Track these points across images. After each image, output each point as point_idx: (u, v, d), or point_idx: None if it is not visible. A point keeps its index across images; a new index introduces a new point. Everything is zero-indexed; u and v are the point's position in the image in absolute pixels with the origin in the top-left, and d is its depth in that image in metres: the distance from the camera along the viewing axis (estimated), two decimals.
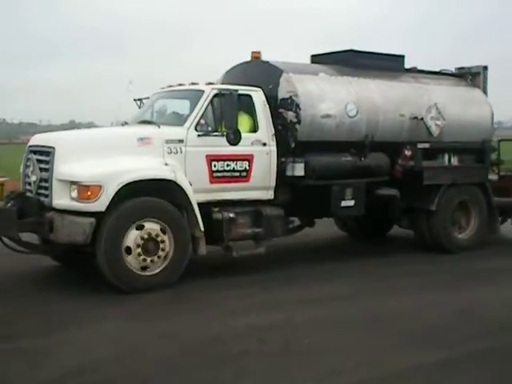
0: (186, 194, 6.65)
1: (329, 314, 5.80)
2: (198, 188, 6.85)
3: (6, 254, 6.84)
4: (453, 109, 8.86)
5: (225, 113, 6.90)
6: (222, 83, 8.23)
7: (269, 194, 7.48)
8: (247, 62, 8.16)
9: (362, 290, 6.66)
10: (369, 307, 6.03)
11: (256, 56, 8.10)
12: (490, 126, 9.35)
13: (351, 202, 7.92)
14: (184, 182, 6.66)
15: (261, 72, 7.94)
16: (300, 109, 7.44)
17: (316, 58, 9.06)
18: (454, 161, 8.88)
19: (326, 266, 7.70)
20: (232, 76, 8.29)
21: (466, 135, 9.00)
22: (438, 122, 8.66)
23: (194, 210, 6.70)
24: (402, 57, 9.13)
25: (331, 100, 7.70)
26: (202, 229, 6.77)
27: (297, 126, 7.48)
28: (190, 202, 6.68)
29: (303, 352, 4.88)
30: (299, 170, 7.47)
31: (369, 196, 8.12)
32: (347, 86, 7.98)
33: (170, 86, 8.00)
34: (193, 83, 7.68)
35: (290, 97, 7.52)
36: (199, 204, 6.88)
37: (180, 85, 7.90)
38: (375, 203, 8.31)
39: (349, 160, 7.83)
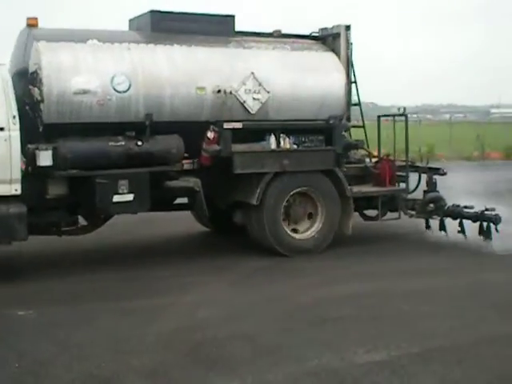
0: None
1: (419, 285, 6.58)
2: None
3: None
4: (283, 79, 7.71)
5: None
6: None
7: (12, 189, 6.56)
8: (24, 30, 7.36)
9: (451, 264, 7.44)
10: (458, 280, 6.77)
11: (31, 23, 7.26)
12: (342, 100, 8.12)
13: (129, 197, 6.95)
14: None
15: (25, 41, 7.11)
16: (43, 84, 6.56)
17: (131, 23, 8.17)
18: (285, 143, 7.78)
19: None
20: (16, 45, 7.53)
21: (304, 111, 7.83)
22: (258, 96, 7.53)
23: None
24: (232, 18, 8.04)
25: (91, 72, 6.74)
26: None
27: (41, 106, 6.57)
28: None
29: (397, 317, 5.61)
30: (45, 158, 6.55)
31: (159, 189, 7.20)
32: (122, 54, 6.98)
33: None
34: None
35: (36, 70, 6.65)
36: None
37: None
38: (171, 197, 7.39)
39: (120, 145, 6.85)
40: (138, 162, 6.96)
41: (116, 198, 6.91)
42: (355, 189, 8.37)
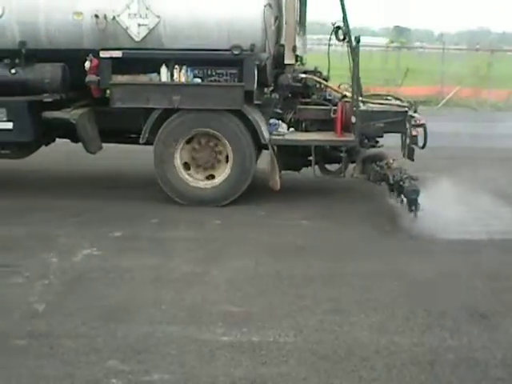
0: None
1: None
2: None
3: None
4: (177, 1, 7.12)
5: None
6: None
7: None
8: None
9: None
10: None
11: None
12: (258, 26, 7.04)
13: (8, 125, 7.34)
14: None
15: None
16: None
17: None
18: (180, 76, 7.14)
19: None
20: None
21: (209, 40, 7.07)
22: (144, 21, 7.05)
23: None
24: None
25: None
26: None
27: None
28: None
29: None
30: None
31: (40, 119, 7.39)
32: None
33: None
34: None
35: None
36: None
37: None
38: (56, 128, 7.51)
39: None
40: (15, 91, 7.28)
41: None
42: (290, 136, 7.47)
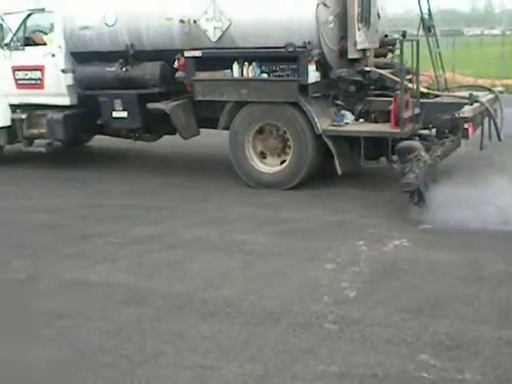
0: None
1: None
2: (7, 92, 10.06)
3: None
4: (243, 5, 8.03)
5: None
6: None
7: (65, 100, 9.66)
8: None
9: None
10: None
11: None
12: (312, 23, 7.56)
13: (124, 114, 9.04)
14: None
15: None
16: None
17: None
18: (247, 72, 7.96)
19: None
20: None
21: (272, 38, 7.91)
22: (218, 24, 8.05)
23: None
24: None
25: (90, 10, 8.94)
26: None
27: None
28: None
29: None
30: (69, 79, 9.35)
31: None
32: None
33: None
34: None
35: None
36: (13, 105, 10.11)
37: None
38: (157, 117, 8.89)
39: (112, 70, 8.88)
40: (127, 85, 8.95)
41: (115, 114, 9.20)
42: (344, 127, 7.94)
